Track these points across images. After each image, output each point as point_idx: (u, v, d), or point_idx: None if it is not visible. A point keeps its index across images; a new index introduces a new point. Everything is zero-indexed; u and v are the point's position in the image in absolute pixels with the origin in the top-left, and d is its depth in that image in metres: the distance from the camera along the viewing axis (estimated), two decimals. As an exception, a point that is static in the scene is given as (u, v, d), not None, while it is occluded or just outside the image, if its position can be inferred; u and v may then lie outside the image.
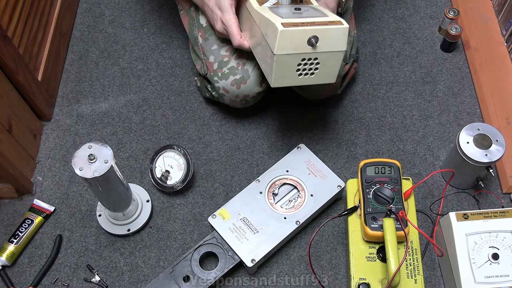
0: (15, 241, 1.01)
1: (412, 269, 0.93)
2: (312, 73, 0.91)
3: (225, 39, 1.06)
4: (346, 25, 0.87)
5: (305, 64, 0.89)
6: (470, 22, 1.30)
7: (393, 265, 0.82)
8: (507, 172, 1.08)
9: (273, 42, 0.85)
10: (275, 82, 0.90)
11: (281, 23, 0.84)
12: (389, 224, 0.87)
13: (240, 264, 0.98)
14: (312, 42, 0.85)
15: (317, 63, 0.89)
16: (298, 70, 0.89)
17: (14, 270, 1.01)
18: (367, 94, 1.23)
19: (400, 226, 0.89)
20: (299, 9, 0.93)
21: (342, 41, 0.88)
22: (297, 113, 1.20)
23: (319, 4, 0.96)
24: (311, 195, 1.02)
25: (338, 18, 0.88)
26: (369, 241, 0.95)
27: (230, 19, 0.95)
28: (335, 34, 0.87)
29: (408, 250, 0.95)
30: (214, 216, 1.00)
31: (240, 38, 0.96)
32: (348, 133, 1.18)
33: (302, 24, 0.85)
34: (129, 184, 1.00)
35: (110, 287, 1.00)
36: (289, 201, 1.03)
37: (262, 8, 0.92)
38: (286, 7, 0.93)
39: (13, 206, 1.08)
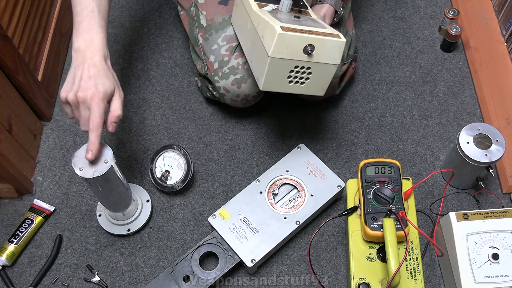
0: (15, 241, 1.01)
1: (412, 269, 0.93)
2: (303, 82, 0.90)
3: (225, 37, 1.06)
4: (343, 39, 0.86)
5: (297, 72, 0.88)
6: (470, 22, 1.30)
7: (393, 265, 0.82)
8: (507, 172, 1.08)
9: (270, 44, 0.84)
10: (265, 84, 0.89)
11: (280, 27, 0.83)
12: (389, 224, 0.87)
13: (240, 264, 0.98)
14: (308, 50, 0.84)
15: (309, 73, 0.89)
16: (290, 77, 0.89)
17: (14, 270, 1.01)
18: (367, 94, 1.23)
19: (400, 226, 0.89)
20: (299, 17, 0.93)
21: (337, 54, 0.87)
22: (297, 113, 1.20)
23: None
24: (311, 195, 1.02)
25: (336, 32, 0.88)
26: (369, 241, 0.95)
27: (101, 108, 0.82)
28: (332, 46, 0.86)
29: (408, 250, 0.95)
30: (214, 216, 1.00)
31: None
32: (348, 133, 1.18)
33: (301, 31, 0.85)
34: (129, 184, 1.00)
35: (110, 287, 1.00)
36: (289, 201, 1.03)
37: (262, 10, 0.91)
38: (285, 14, 0.93)
39: (13, 206, 1.08)
